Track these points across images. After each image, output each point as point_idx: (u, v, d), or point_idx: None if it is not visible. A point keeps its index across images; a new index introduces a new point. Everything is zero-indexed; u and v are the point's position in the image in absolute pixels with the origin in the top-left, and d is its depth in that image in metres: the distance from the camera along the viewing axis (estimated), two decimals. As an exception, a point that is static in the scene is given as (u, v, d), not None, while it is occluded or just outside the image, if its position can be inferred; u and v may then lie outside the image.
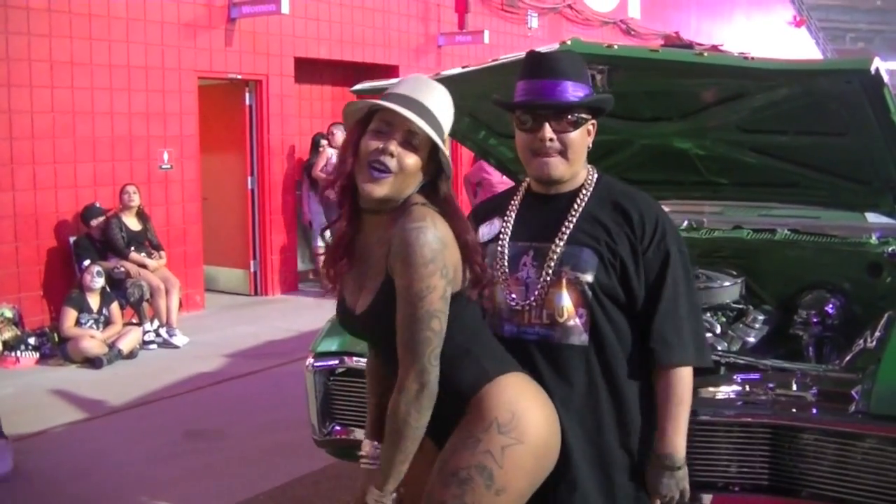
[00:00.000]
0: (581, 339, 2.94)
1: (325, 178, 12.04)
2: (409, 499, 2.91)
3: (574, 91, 2.97)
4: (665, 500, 2.95)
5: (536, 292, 2.98)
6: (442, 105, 2.84)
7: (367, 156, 2.75)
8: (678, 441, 2.94)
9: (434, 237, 2.68)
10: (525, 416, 2.76)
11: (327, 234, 12.38)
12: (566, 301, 2.94)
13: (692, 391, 2.99)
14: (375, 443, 3.08)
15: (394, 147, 2.73)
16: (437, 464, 2.77)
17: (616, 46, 3.85)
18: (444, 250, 2.70)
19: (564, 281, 2.95)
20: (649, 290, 2.95)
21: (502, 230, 3.14)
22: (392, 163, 2.73)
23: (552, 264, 2.97)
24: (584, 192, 3.06)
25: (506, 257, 3.08)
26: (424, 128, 2.74)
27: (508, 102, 3.10)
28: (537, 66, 3.02)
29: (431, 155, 2.81)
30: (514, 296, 3.02)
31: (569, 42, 3.67)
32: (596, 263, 2.94)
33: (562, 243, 2.98)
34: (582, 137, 3.03)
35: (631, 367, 2.97)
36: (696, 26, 25.96)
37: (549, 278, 2.97)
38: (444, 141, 2.81)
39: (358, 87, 4.93)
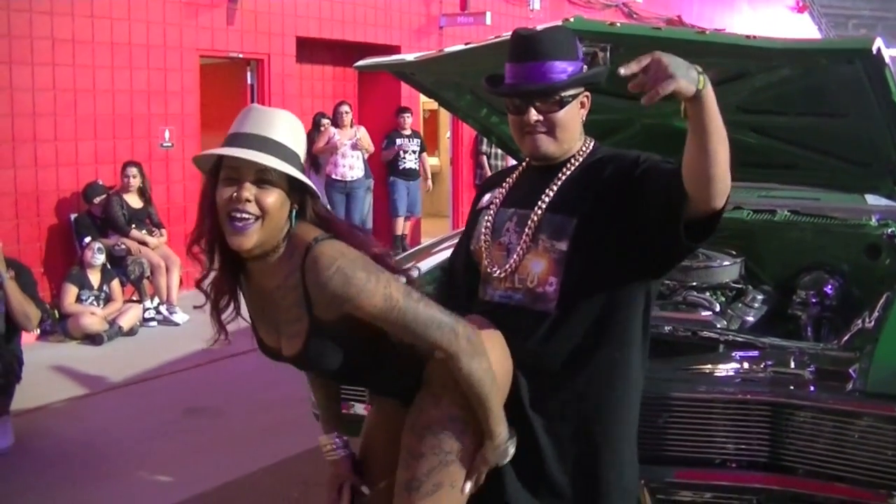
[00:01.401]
0: (548, 306, 2.95)
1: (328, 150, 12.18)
2: (379, 466, 3.04)
3: (560, 70, 2.95)
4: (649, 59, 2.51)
5: (514, 257, 3.01)
6: (288, 131, 2.69)
7: (223, 207, 2.61)
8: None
9: (350, 265, 2.61)
10: None
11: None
12: (539, 267, 2.97)
13: None
14: (334, 435, 3.20)
15: (247, 192, 2.59)
16: (407, 424, 2.83)
17: (619, 24, 3.85)
18: (362, 261, 2.64)
19: (540, 248, 2.97)
20: (655, 182, 2.82)
21: (496, 197, 3.20)
22: (251, 208, 2.59)
23: (530, 231, 3.00)
24: (573, 160, 3.08)
25: (491, 223, 3.13)
26: (272, 163, 2.59)
27: (496, 88, 3.11)
28: (521, 48, 3.01)
29: (292, 183, 2.67)
30: (494, 261, 3.07)
31: (571, 20, 3.66)
32: (572, 232, 2.94)
33: (540, 211, 3.01)
34: (570, 114, 3.02)
35: (600, 339, 2.95)
36: (697, 11, 25.89)
37: (526, 244, 3.00)
38: (301, 166, 2.70)
39: (361, 63, 4.94)
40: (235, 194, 2.58)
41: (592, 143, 3.15)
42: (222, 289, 2.84)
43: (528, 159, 3.24)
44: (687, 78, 2.46)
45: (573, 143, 3.08)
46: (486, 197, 3.29)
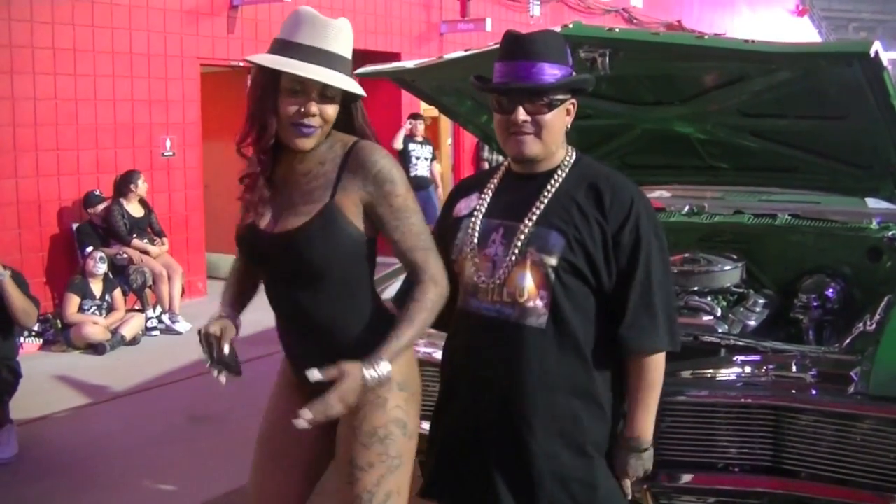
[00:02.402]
0: (539, 321, 2.94)
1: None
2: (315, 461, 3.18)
3: (550, 72, 2.95)
4: (631, 479, 3.04)
5: (502, 270, 2.99)
6: (343, 41, 2.87)
7: (289, 118, 2.83)
8: (646, 425, 2.99)
9: (393, 162, 2.90)
10: (412, 371, 3.00)
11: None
12: (528, 281, 2.95)
13: (663, 376, 3.01)
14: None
15: (314, 107, 2.81)
16: (345, 429, 2.92)
17: (617, 30, 3.86)
18: None
19: (529, 261, 2.95)
20: (621, 276, 2.94)
21: (478, 206, 3.14)
22: (316, 121, 2.83)
23: (518, 244, 2.97)
24: (559, 172, 3.05)
25: (476, 232, 3.08)
26: (340, 83, 2.80)
27: (484, 84, 3.11)
28: (513, 47, 3.01)
29: (346, 91, 2.89)
30: (481, 272, 3.03)
31: (570, 25, 3.67)
32: (562, 246, 2.92)
33: (530, 223, 2.98)
34: (557, 118, 3.01)
35: (594, 351, 2.96)
36: (698, 15, 25.92)
37: (514, 257, 2.97)
38: (351, 70, 2.90)
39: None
40: (303, 108, 2.81)
41: (575, 153, 3.13)
42: (265, 174, 2.95)
43: (506, 165, 3.21)
44: (647, 465, 3.05)
45: (557, 148, 3.07)
46: (464, 203, 3.23)
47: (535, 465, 2.94)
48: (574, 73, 3.05)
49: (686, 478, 3.62)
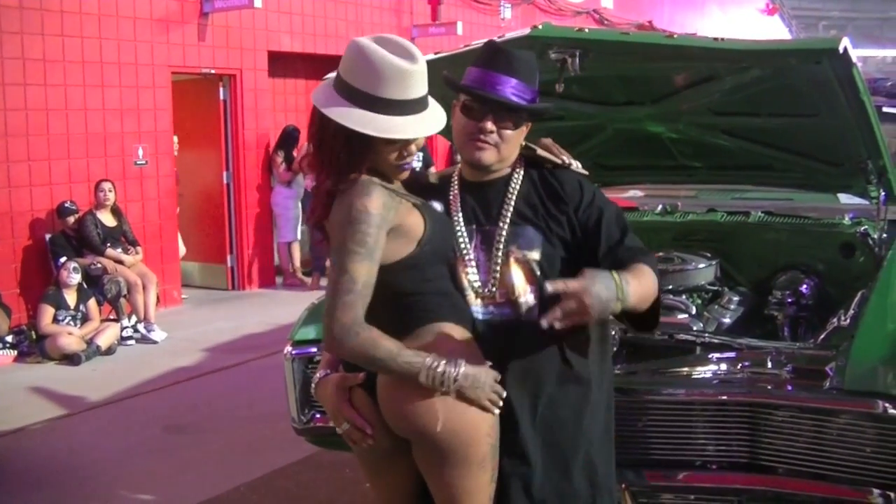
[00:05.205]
0: (534, 314, 2.95)
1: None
2: None
3: (523, 92, 2.98)
4: (577, 308, 2.63)
5: (489, 273, 3.02)
6: (423, 62, 2.89)
7: (394, 162, 2.91)
8: (635, 292, 2.75)
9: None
10: None
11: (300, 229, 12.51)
12: (518, 279, 2.99)
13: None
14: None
15: (414, 148, 2.92)
16: None
17: (587, 30, 3.86)
18: None
19: (513, 259, 3.00)
20: (593, 235, 3.02)
21: (453, 213, 3.13)
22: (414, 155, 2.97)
23: (500, 245, 3.02)
24: (516, 176, 3.12)
25: (466, 239, 3.08)
26: (434, 130, 2.93)
27: (458, 83, 3.09)
28: (493, 57, 3.03)
29: None
30: (471, 279, 3.04)
31: (540, 26, 3.67)
32: (541, 240, 3.01)
33: (505, 224, 3.04)
34: (518, 135, 3.07)
35: (589, 342, 3.03)
36: (669, 16, 26.02)
37: (499, 259, 3.02)
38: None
39: (326, 77, 4.92)
40: (405, 153, 2.90)
41: (523, 158, 3.18)
42: None
43: (458, 174, 3.21)
44: (603, 314, 2.69)
45: (510, 161, 3.12)
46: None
47: (534, 454, 2.98)
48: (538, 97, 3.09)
49: (664, 476, 3.63)
